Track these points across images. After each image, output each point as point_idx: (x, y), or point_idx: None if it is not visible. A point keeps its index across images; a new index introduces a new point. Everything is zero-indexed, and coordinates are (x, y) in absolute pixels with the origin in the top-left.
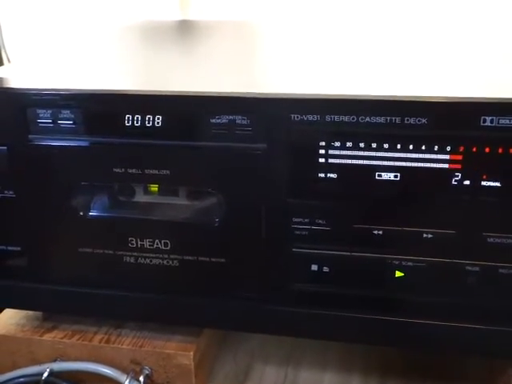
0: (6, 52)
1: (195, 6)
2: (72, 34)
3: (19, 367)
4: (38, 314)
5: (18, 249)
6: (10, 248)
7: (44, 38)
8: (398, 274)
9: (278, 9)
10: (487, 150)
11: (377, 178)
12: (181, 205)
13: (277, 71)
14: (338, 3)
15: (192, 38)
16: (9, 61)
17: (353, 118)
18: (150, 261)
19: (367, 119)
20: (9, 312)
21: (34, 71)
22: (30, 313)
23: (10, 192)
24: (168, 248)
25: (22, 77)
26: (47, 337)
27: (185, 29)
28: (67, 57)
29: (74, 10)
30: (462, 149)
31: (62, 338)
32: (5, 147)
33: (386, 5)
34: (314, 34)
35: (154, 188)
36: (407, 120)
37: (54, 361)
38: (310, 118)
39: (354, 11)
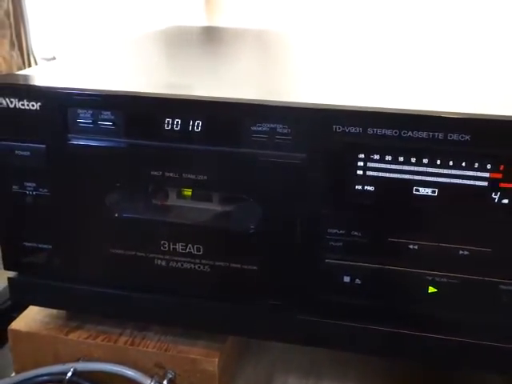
0: (34, 55)
1: (220, 13)
2: (98, 39)
3: (41, 365)
4: (62, 312)
5: (49, 247)
6: (40, 246)
7: (71, 44)
8: (432, 289)
9: (308, 17)
10: None
11: (414, 192)
12: (215, 210)
13: (312, 81)
14: (372, 13)
15: (220, 44)
16: (36, 63)
17: (395, 132)
18: (181, 265)
19: (409, 133)
20: (34, 309)
21: (66, 72)
22: (55, 311)
23: (45, 190)
24: (200, 253)
25: (58, 77)
26: (72, 336)
27: (211, 35)
28: (96, 60)
29: (100, 16)
30: (502, 167)
31: (86, 338)
32: (43, 145)
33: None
34: (348, 43)
35: (188, 192)
36: (450, 136)
37: (78, 360)
38: (352, 129)
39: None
